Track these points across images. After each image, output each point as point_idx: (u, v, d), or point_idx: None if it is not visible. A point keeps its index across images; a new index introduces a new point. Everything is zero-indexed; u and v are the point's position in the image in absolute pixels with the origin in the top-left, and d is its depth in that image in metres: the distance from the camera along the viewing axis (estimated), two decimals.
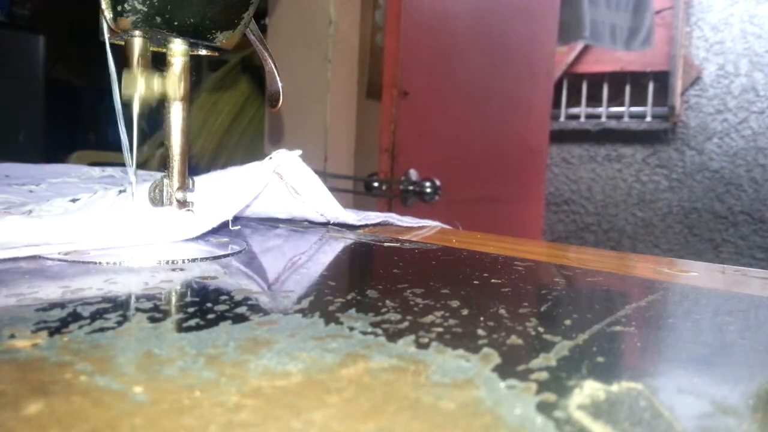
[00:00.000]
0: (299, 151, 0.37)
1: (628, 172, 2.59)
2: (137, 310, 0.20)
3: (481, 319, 0.20)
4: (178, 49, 0.31)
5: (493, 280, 0.26)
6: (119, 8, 0.28)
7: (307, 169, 0.38)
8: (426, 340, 0.18)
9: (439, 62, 1.14)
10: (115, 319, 0.18)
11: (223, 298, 0.21)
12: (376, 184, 1.07)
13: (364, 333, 0.18)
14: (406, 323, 0.19)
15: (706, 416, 0.13)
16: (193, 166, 0.34)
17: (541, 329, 0.19)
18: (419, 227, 0.44)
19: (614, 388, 0.14)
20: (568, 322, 0.20)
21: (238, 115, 1.44)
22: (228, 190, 0.35)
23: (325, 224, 0.42)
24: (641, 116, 2.56)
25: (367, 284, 0.26)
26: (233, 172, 0.37)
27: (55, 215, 0.36)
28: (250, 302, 0.21)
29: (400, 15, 1.03)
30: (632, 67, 2.51)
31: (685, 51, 2.42)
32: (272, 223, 0.42)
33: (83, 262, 0.26)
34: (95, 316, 0.19)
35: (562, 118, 2.69)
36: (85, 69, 2.06)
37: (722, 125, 2.38)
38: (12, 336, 0.17)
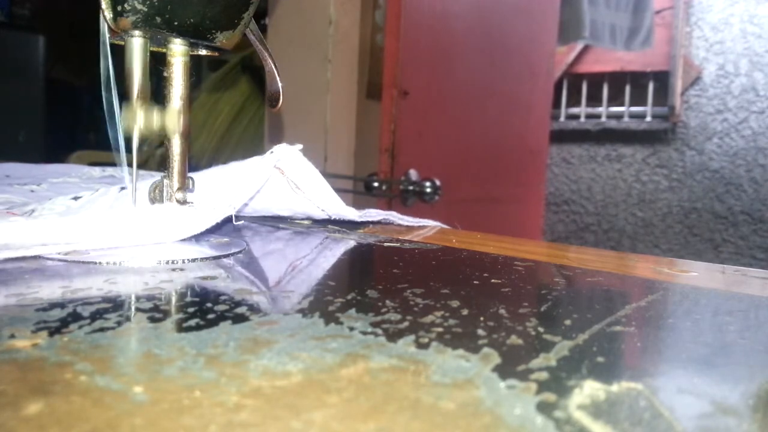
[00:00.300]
0: (300, 146, 0.37)
1: (628, 172, 2.59)
2: (137, 310, 0.20)
3: (481, 319, 0.20)
4: (178, 49, 0.31)
5: (493, 280, 0.26)
6: (119, 8, 0.28)
7: (308, 163, 0.38)
8: (426, 340, 0.18)
9: (439, 62, 1.14)
10: (115, 319, 0.18)
11: (223, 298, 0.21)
12: (376, 184, 1.07)
13: (364, 333, 0.18)
14: (406, 323, 0.19)
15: (706, 416, 0.13)
16: (193, 166, 0.34)
17: (541, 329, 0.19)
18: (419, 227, 0.44)
19: (614, 388, 0.14)
20: (568, 322, 0.20)
21: (238, 115, 1.44)
22: (229, 185, 0.35)
23: (326, 224, 0.42)
24: (641, 116, 2.56)
25: (367, 284, 0.26)
26: (234, 167, 0.37)
27: (57, 213, 0.36)
28: (250, 302, 0.21)
29: (400, 15, 1.03)
30: (632, 67, 2.51)
31: (685, 51, 2.42)
32: (272, 223, 0.42)
33: (83, 262, 0.26)
34: (95, 316, 0.19)
35: (562, 118, 2.69)
36: (85, 69, 2.06)
37: (722, 125, 2.38)
38: (12, 336, 0.17)
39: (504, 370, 0.15)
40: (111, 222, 0.29)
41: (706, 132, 2.41)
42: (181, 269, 0.26)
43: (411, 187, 1.09)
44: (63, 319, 0.18)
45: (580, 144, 2.68)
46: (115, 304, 0.20)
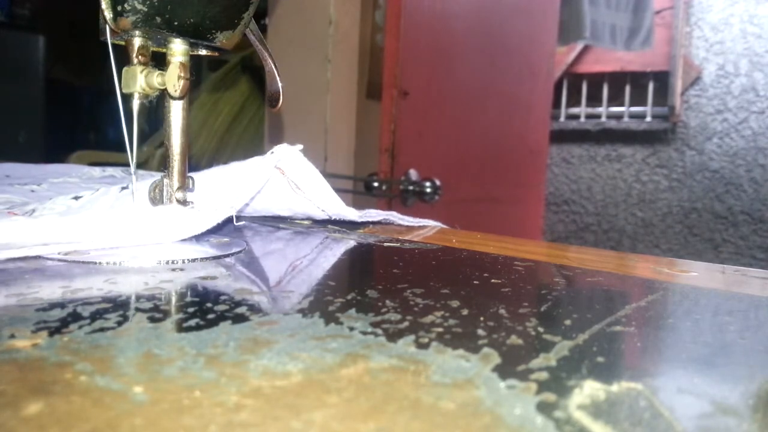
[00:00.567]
0: (300, 146, 0.37)
1: (628, 172, 2.59)
2: (137, 310, 0.20)
3: (481, 319, 0.20)
4: (178, 49, 0.31)
5: (493, 280, 0.26)
6: (119, 8, 0.28)
7: (308, 164, 0.38)
8: (426, 340, 0.18)
9: (439, 62, 1.14)
10: (115, 319, 0.18)
11: (223, 298, 0.21)
12: (376, 184, 1.07)
13: (364, 333, 0.18)
14: (406, 323, 0.19)
15: (706, 416, 0.13)
16: (193, 166, 0.34)
17: (541, 329, 0.19)
18: (419, 227, 0.44)
19: (614, 388, 0.14)
20: (568, 322, 0.20)
21: (238, 115, 1.44)
22: (230, 185, 0.35)
23: (326, 225, 0.42)
24: (641, 116, 2.56)
25: (367, 284, 0.26)
26: (235, 167, 0.37)
27: (57, 213, 0.36)
28: (250, 302, 0.21)
29: (400, 15, 1.03)
30: (632, 67, 2.51)
31: (685, 51, 2.42)
32: (273, 223, 0.42)
33: (83, 262, 0.26)
34: (95, 316, 0.19)
35: (562, 118, 2.69)
36: (85, 69, 2.06)
37: (722, 125, 2.38)
38: (12, 336, 0.17)
39: (504, 370, 0.15)
40: (111, 222, 0.29)
41: (706, 132, 2.41)
42: (182, 269, 0.26)
43: (411, 187, 1.09)
44: (63, 319, 0.18)
45: (580, 144, 2.68)
46: (116, 304, 0.20)
